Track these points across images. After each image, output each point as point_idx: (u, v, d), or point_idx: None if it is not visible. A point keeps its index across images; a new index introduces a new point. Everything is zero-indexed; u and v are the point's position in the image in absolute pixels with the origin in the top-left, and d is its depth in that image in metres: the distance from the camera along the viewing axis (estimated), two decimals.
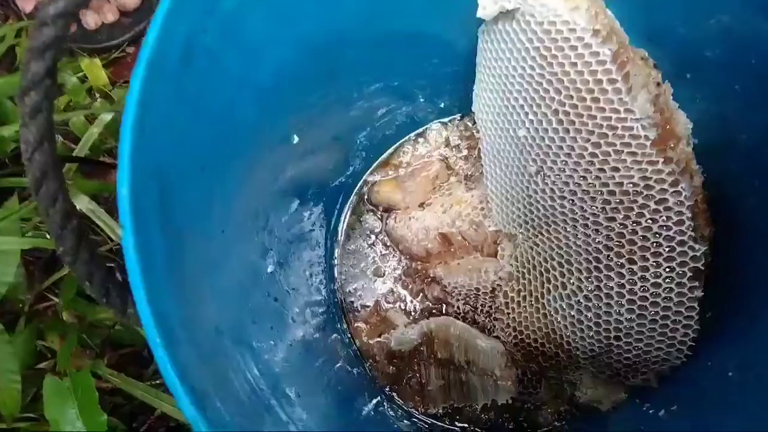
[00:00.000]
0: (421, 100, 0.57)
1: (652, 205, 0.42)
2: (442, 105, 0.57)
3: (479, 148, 0.54)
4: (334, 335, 0.56)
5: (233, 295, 0.40)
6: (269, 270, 0.43)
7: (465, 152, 0.59)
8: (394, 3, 0.40)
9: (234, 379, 0.35)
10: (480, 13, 0.42)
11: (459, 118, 0.59)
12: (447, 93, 0.56)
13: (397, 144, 0.60)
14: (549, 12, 0.39)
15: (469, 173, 0.58)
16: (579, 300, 0.47)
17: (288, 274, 0.51)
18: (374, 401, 0.55)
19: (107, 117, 0.52)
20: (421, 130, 0.59)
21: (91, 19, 0.67)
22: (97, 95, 0.60)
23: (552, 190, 0.46)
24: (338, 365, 0.54)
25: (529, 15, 0.41)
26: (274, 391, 0.38)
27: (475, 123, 0.53)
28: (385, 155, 0.60)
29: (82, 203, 0.48)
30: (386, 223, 0.58)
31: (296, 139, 0.43)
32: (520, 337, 0.53)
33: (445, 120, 0.59)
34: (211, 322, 0.35)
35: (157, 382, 0.61)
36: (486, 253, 0.56)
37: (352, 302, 0.59)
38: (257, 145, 0.38)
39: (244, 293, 0.43)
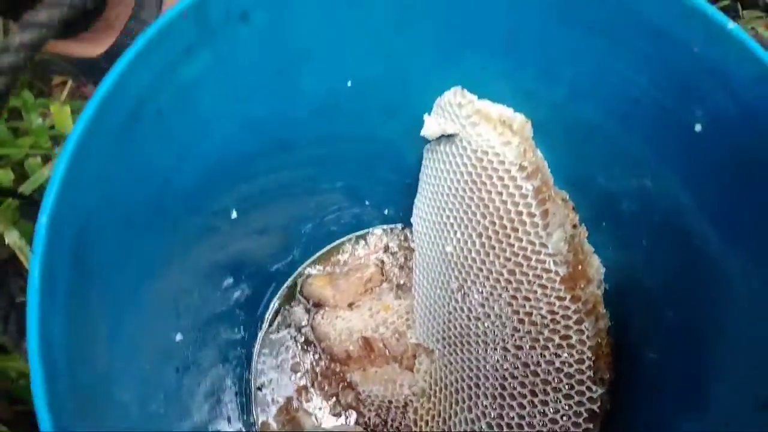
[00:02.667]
0: (368, 204, 0.59)
1: (557, 340, 0.43)
2: (386, 212, 0.60)
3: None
4: (239, 427, 0.53)
5: (131, 353, 0.39)
6: (178, 339, 0.42)
7: (401, 261, 0.61)
8: (345, 112, 0.44)
9: None
10: (423, 132, 0.45)
11: (401, 228, 0.62)
12: (393, 202, 0.59)
13: (339, 241, 0.61)
14: (483, 142, 0.43)
15: (402, 282, 0.60)
16: (482, 426, 0.47)
17: (200, 351, 0.50)
18: None
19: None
20: (363, 232, 0.61)
21: None
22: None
23: (469, 309, 0.47)
24: None
25: (467, 141, 0.44)
26: None
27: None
28: (324, 250, 0.61)
29: (11, 237, 0.48)
30: (313, 318, 0.59)
31: (235, 214, 0.45)
32: None
33: (388, 227, 0.62)
34: (104, 375, 0.34)
35: None
36: (405, 365, 0.56)
37: (265, 395, 0.57)
38: (190, 211, 0.39)
39: (145, 357, 0.42)
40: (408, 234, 0.61)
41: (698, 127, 0.34)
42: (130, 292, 0.35)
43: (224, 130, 0.37)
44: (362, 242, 0.62)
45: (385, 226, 0.62)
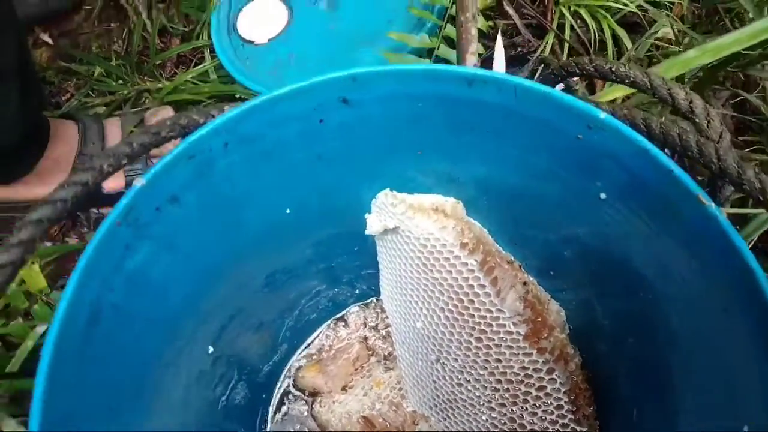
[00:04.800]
0: (344, 283, 0.62)
1: (534, 392, 0.46)
2: (357, 291, 0.62)
3: None
4: None
5: None
6: None
7: (383, 332, 0.63)
8: (288, 233, 0.47)
9: None
10: (368, 231, 0.48)
11: (376, 300, 0.64)
12: (364, 279, 0.62)
13: (321, 329, 0.64)
14: (423, 231, 0.46)
15: (388, 353, 0.62)
16: None
17: None
18: None
19: (41, 330, 0.55)
20: (341, 314, 0.64)
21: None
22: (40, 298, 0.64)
23: (450, 377, 0.50)
24: None
25: (409, 231, 0.47)
26: None
27: None
28: (309, 339, 0.63)
29: (9, 426, 0.50)
30: (312, 408, 0.61)
31: (211, 350, 0.47)
32: None
33: (363, 303, 0.64)
34: None
35: None
36: None
37: None
38: (169, 370, 0.41)
39: None
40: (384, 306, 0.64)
41: (603, 195, 0.37)
42: None
43: (180, 288, 0.40)
44: (342, 323, 0.64)
45: (360, 303, 0.65)
